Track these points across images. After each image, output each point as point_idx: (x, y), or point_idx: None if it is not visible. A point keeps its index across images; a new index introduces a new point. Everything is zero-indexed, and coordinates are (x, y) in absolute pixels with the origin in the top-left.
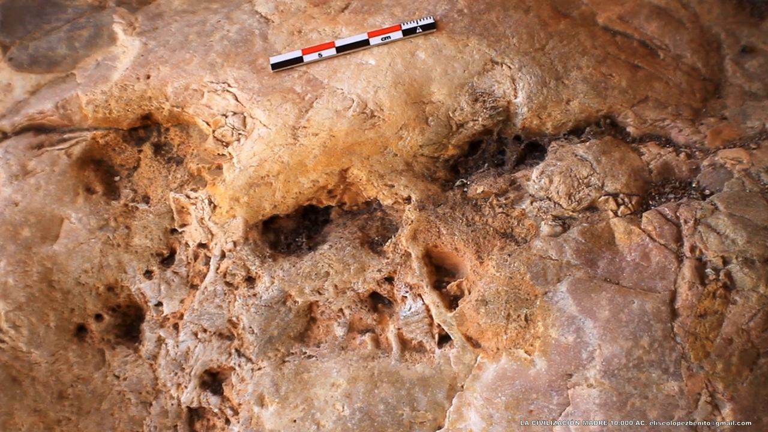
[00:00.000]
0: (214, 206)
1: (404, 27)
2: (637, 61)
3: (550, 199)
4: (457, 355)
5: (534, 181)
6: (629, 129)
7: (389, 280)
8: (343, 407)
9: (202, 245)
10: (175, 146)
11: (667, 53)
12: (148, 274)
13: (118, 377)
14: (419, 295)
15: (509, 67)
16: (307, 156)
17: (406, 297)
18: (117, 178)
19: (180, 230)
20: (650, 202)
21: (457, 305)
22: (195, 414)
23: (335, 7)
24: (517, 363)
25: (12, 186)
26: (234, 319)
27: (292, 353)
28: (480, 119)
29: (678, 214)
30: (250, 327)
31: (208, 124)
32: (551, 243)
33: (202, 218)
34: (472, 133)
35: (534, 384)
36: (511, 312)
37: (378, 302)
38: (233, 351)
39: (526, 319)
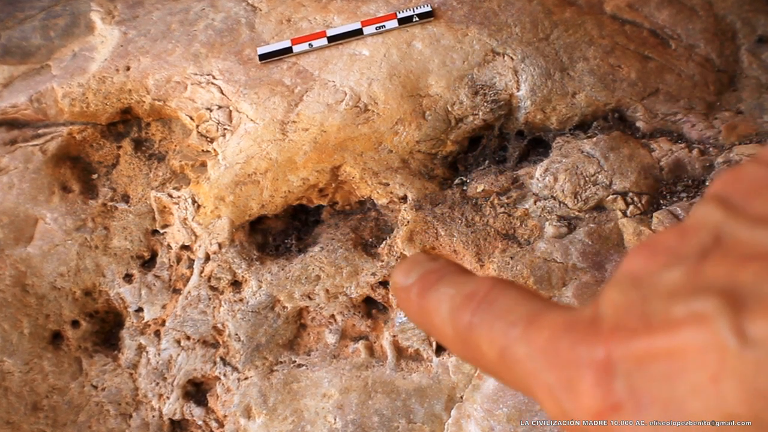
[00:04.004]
0: (198, 206)
1: (400, 15)
2: (647, 52)
3: (554, 198)
4: (456, 364)
5: (538, 179)
6: (639, 124)
7: (384, 284)
8: (335, 419)
9: (185, 247)
10: (156, 142)
11: (679, 43)
12: (128, 277)
13: (96, 387)
14: None
15: (511, 58)
16: (297, 152)
17: None
18: (95, 176)
19: (162, 231)
20: (661, 202)
21: None
22: (178, 426)
23: None
24: None
25: None
26: (219, 325)
27: (281, 362)
28: (480, 113)
29: None
30: (236, 334)
31: (191, 118)
32: (556, 245)
33: (185, 219)
34: (472, 128)
35: None
36: None
37: (372, 308)
38: (218, 359)
39: None
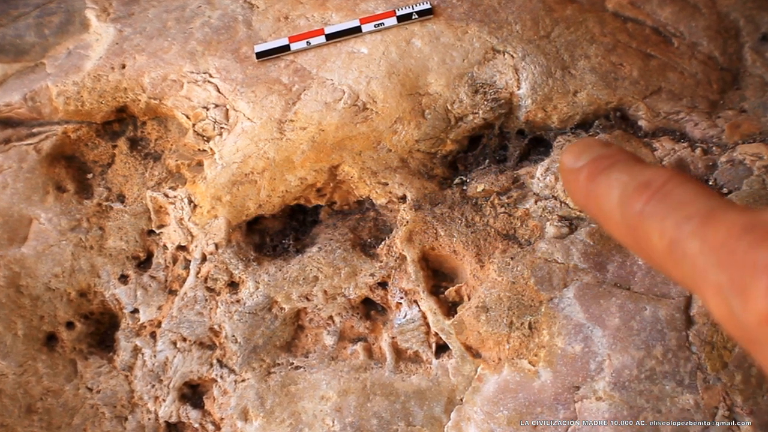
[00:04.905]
0: (195, 206)
1: (399, 13)
2: (649, 50)
3: (555, 198)
4: (456, 366)
5: (538, 178)
6: (641, 123)
7: (383, 285)
8: (333, 422)
9: (181, 248)
10: (152, 141)
11: (681, 41)
12: (124, 278)
13: (91, 390)
14: (415, 302)
15: (512, 56)
16: (295, 152)
17: (400, 303)
18: (90, 176)
19: (158, 231)
20: None
21: (456, 312)
22: (174, 429)
23: None
24: (520, 374)
25: None
26: (216, 327)
27: (279, 364)
28: (480, 112)
29: None
30: (233, 336)
31: (187, 117)
32: (557, 245)
33: (181, 219)
34: (472, 127)
35: (538, 397)
36: (513, 319)
37: (371, 309)
38: (215, 361)
39: (530, 327)
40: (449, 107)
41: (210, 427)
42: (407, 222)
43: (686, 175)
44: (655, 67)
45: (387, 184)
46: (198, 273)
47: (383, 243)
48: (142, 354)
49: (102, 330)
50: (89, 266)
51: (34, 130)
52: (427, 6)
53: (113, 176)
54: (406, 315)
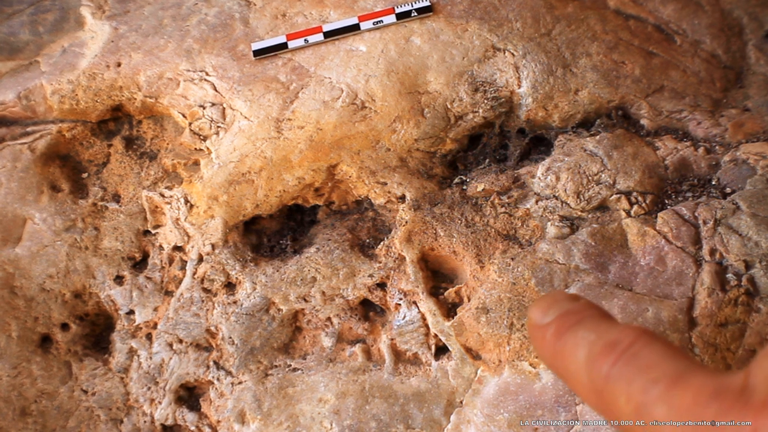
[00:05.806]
0: (191, 205)
1: (398, 10)
2: (651, 48)
3: (556, 198)
4: (456, 368)
5: (539, 178)
6: (643, 121)
7: (382, 286)
8: (332, 425)
9: (177, 248)
10: (148, 140)
11: (684, 39)
12: (119, 279)
13: (86, 392)
14: (414, 303)
15: (512, 53)
16: (292, 151)
17: (399, 305)
18: (85, 175)
19: (153, 232)
20: (666, 201)
21: (456, 313)
22: None
23: None
24: (520, 376)
25: None
26: (212, 328)
27: (276, 366)
28: (480, 111)
29: (696, 214)
30: (230, 337)
31: (184, 115)
32: (558, 246)
33: (177, 219)
34: (472, 126)
35: (539, 399)
36: (514, 321)
37: (369, 310)
38: (211, 363)
39: None
40: (449, 106)
41: (206, 429)
42: (406, 222)
43: (653, 333)
44: (658, 65)
45: (386, 184)
46: (194, 274)
47: (382, 243)
48: (138, 356)
49: (97, 331)
50: (84, 267)
51: (29, 129)
52: (427, 3)
53: (108, 176)
54: (405, 316)
